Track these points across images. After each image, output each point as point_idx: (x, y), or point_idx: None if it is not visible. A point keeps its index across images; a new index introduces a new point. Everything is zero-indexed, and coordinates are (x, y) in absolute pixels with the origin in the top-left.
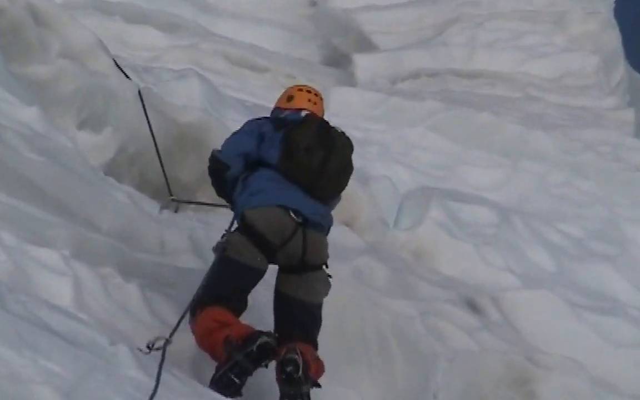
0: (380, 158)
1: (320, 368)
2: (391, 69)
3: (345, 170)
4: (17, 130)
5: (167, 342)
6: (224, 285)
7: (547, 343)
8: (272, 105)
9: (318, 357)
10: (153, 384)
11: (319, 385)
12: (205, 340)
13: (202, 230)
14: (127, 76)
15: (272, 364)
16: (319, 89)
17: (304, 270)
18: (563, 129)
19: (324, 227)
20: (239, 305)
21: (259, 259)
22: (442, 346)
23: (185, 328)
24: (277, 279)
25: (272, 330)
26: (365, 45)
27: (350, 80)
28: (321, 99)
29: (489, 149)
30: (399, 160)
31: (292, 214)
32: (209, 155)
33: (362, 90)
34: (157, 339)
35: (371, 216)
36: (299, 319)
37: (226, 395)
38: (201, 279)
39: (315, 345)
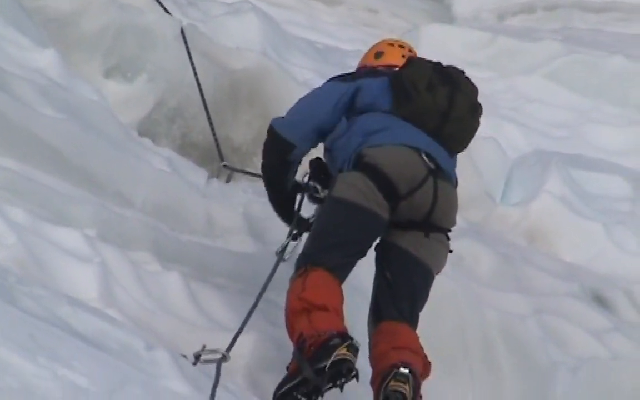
0: (485, 114)
1: (427, 374)
2: (499, 0)
3: (475, 110)
4: (29, 79)
5: (223, 358)
6: (335, 236)
7: None
8: (347, 47)
9: (426, 358)
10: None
11: None
12: (288, 317)
13: (259, 205)
14: (166, 10)
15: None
16: (406, 26)
17: (426, 229)
18: None
19: (454, 182)
20: (349, 264)
21: (382, 206)
22: (562, 353)
23: (236, 329)
24: (387, 233)
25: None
26: None
27: (446, 16)
28: (416, 54)
29: (623, 103)
30: (508, 117)
31: (424, 156)
32: (267, 109)
33: (462, 28)
34: (207, 350)
35: (473, 188)
36: (413, 286)
37: None
38: (258, 266)
39: (416, 326)
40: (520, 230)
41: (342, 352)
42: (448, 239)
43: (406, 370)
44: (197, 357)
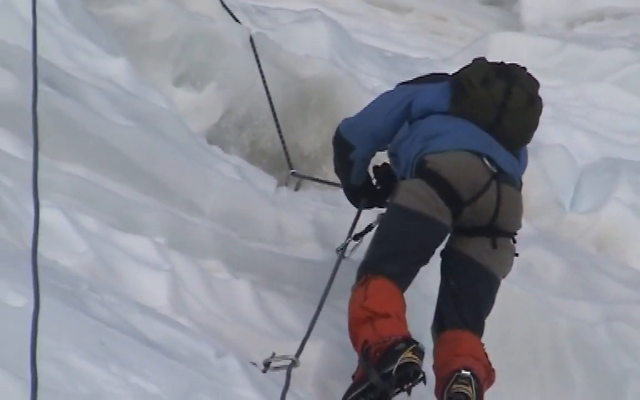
0: (554, 122)
1: (491, 382)
2: (568, 8)
3: (533, 101)
4: (99, 87)
5: (293, 364)
6: (396, 244)
7: None
8: (415, 55)
9: (489, 366)
10: None
11: None
12: (351, 327)
13: (329, 213)
14: (235, 19)
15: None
16: (475, 34)
17: (492, 235)
18: None
19: (518, 183)
20: (410, 273)
21: (444, 212)
22: (633, 360)
23: (310, 338)
24: (451, 240)
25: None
26: None
27: (515, 23)
28: None
29: None
30: (577, 125)
31: (486, 161)
32: (336, 117)
33: (531, 36)
34: (277, 357)
35: (542, 195)
36: (477, 294)
37: None
38: (327, 274)
39: (482, 334)
40: (590, 238)
41: (408, 355)
42: (514, 241)
43: (467, 372)
44: (266, 364)
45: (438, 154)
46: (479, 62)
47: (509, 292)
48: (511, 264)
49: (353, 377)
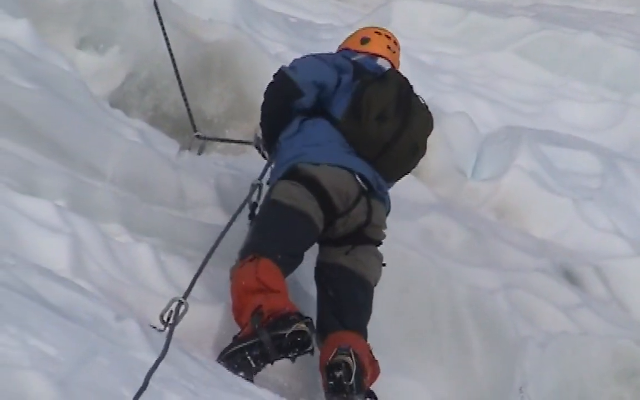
0: (455, 90)
1: (376, 372)
2: None
3: (416, 152)
4: (1, 49)
5: (181, 303)
6: (275, 234)
7: None
8: (319, 21)
9: (374, 357)
10: (168, 369)
11: (374, 398)
12: (238, 296)
13: (230, 178)
14: None
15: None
16: (379, 1)
17: (359, 243)
18: None
19: (387, 204)
20: (291, 262)
21: (318, 215)
22: (531, 328)
23: (206, 300)
24: (322, 253)
25: (316, 312)
26: None
27: None
28: (399, 48)
29: (593, 80)
30: (479, 93)
31: (358, 178)
32: (239, 82)
33: (433, 3)
34: (171, 306)
35: (444, 163)
36: (356, 299)
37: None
38: (227, 238)
39: (366, 338)
40: (490, 206)
41: (301, 326)
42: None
43: (347, 345)
44: (163, 321)
45: (312, 166)
46: (389, 85)
47: (408, 259)
48: (380, 270)
49: (235, 338)
